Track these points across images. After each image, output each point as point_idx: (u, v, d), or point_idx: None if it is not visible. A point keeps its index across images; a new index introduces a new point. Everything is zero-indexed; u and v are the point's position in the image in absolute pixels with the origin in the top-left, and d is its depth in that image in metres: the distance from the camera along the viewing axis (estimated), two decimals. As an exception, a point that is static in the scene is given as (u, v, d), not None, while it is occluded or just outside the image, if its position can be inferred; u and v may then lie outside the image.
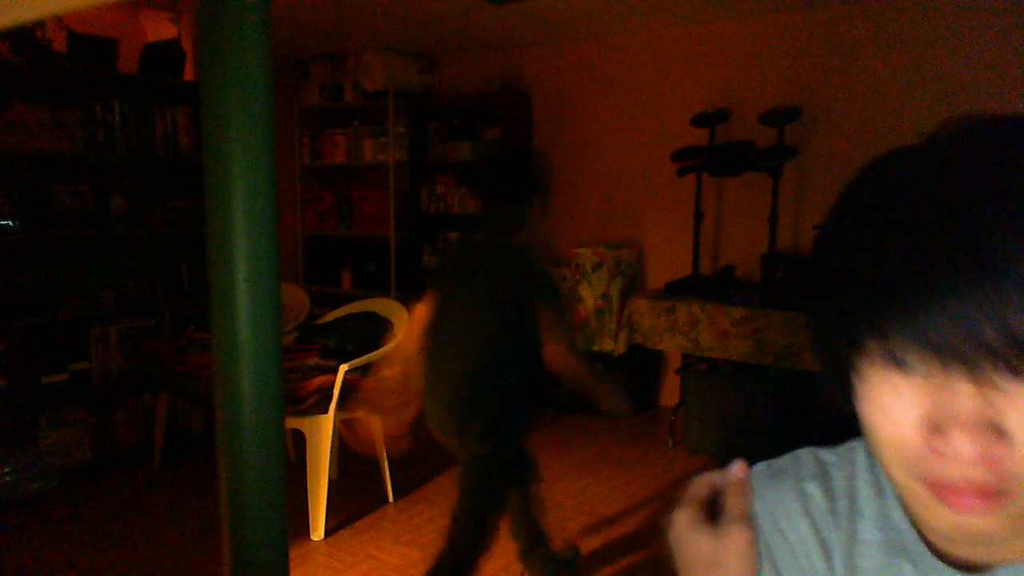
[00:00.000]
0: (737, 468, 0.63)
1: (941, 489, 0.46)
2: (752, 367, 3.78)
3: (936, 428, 0.45)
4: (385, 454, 3.33)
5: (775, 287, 3.59)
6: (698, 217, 4.12)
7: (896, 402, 0.47)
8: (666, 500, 3.41)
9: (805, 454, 0.64)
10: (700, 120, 4.08)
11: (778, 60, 4.19)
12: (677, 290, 3.98)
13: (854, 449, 0.62)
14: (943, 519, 0.47)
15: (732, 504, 0.60)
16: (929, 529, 0.54)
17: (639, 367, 4.58)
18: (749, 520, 0.59)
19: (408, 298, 5.12)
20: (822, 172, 4.09)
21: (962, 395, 0.44)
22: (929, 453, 0.46)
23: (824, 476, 0.61)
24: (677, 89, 4.53)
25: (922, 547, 0.55)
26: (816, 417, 3.74)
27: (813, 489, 0.61)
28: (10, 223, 3.41)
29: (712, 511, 0.62)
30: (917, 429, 0.46)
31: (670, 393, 4.55)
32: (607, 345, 4.29)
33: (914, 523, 0.56)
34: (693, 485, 0.64)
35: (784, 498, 0.62)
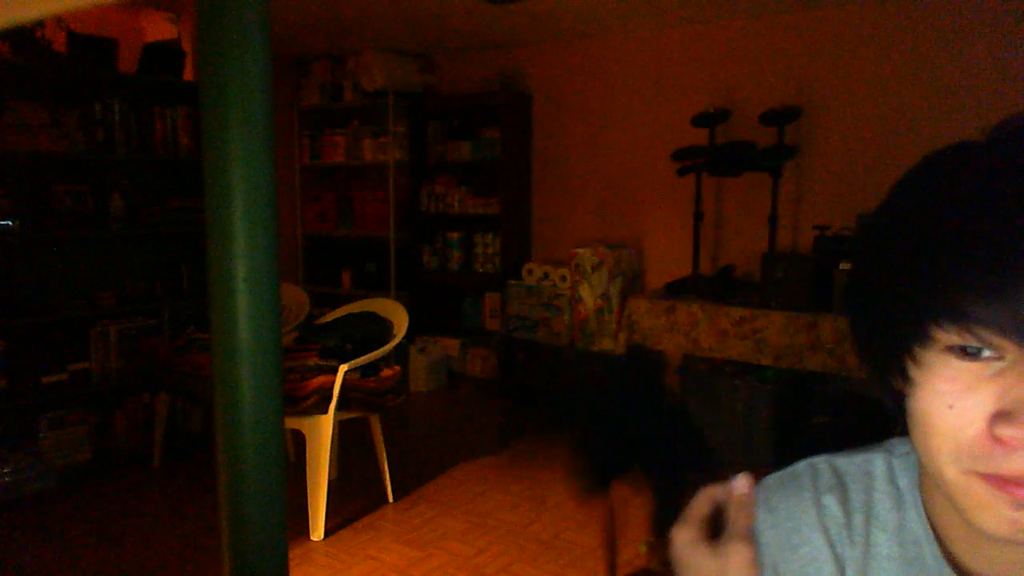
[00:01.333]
0: (741, 483, 0.61)
1: (1003, 482, 0.45)
2: (752, 367, 3.78)
3: (1005, 415, 0.44)
4: (385, 454, 3.34)
5: (775, 287, 3.59)
6: (698, 217, 4.12)
7: (962, 390, 0.46)
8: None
9: (822, 464, 0.63)
10: (700, 120, 4.08)
11: (778, 60, 4.19)
12: (677, 290, 3.98)
13: (871, 460, 0.61)
14: (1001, 516, 0.45)
15: (735, 520, 0.59)
16: (951, 536, 0.53)
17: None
18: (751, 537, 0.58)
19: (407, 298, 5.14)
20: (822, 172, 4.09)
21: None
22: (992, 443, 0.45)
23: (842, 488, 0.60)
24: (677, 89, 4.53)
25: (942, 562, 0.54)
26: (816, 417, 3.74)
27: (830, 501, 0.60)
28: (10, 223, 3.41)
29: (715, 526, 0.61)
30: (982, 417, 0.45)
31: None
32: (607, 345, 4.29)
33: (937, 536, 0.55)
34: (695, 500, 0.63)
35: (799, 510, 0.60)
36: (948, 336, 0.46)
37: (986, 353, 0.45)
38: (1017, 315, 0.42)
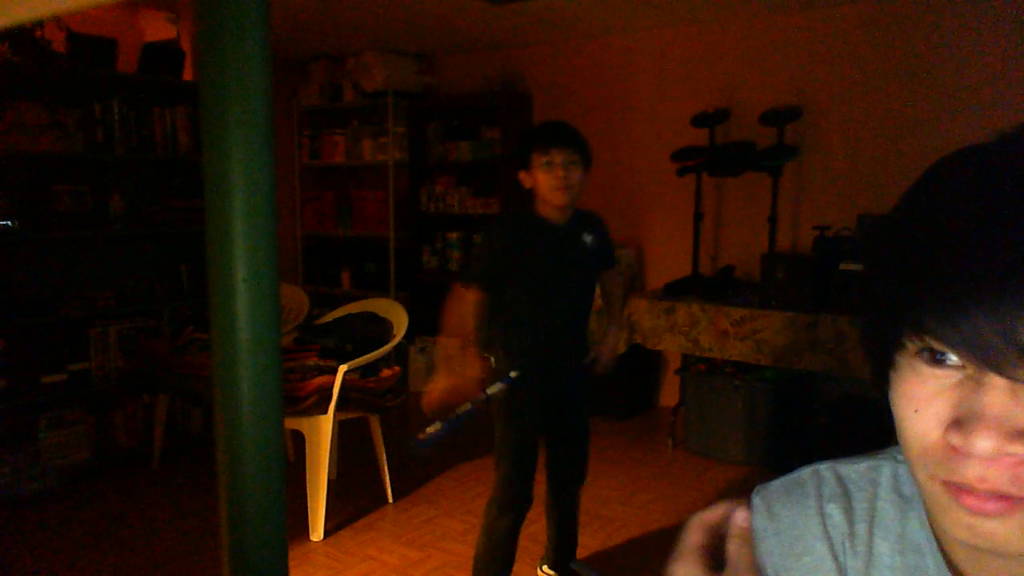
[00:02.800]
0: (741, 516, 0.60)
1: (958, 490, 0.46)
2: (752, 367, 3.78)
3: (959, 424, 0.45)
4: (384, 455, 3.34)
5: (775, 287, 3.59)
6: (698, 217, 4.12)
7: (927, 396, 0.47)
8: (666, 501, 3.41)
9: (826, 471, 0.62)
10: (700, 120, 4.08)
11: (778, 60, 4.19)
12: (677, 290, 3.98)
13: (878, 468, 0.60)
14: (959, 522, 0.47)
15: (738, 555, 0.58)
16: (950, 542, 0.53)
17: (639, 367, 4.58)
18: (755, 571, 0.58)
19: (407, 298, 5.13)
20: (822, 172, 4.09)
21: (991, 393, 0.44)
22: (948, 450, 0.46)
23: (846, 497, 0.60)
24: (677, 89, 4.53)
25: (945, 571, 0.54)
26: (816, 417, 3.74)
27: (833, 510, 0.59)
28: (9, 223, 3.41)
29: (713, 554, 0.59)
30: (941, 424, 0.46)
31: (670, 394, 4.55)
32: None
33: (940, 545, 0.55)
34: (689, 531, 0.61)
35: (803, 518, 0.60)
36: (915, 344, 0.47)
37: (952, 360, 0.46)
38: (970, 332, 0.43)
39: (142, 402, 3.90)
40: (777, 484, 0.63)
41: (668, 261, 4.57)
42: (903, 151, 3.82)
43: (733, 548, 0.58)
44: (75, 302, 3.70)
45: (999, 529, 0.45)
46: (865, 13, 3.93)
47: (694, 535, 0.61)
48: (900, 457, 0.60)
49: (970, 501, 0.45)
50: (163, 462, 3.75)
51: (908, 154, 3.79)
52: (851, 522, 0.59)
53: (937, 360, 0.46)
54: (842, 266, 3.40)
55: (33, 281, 3.63)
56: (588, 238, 2.44)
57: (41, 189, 3.58)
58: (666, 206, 4.59)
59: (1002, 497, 0.44)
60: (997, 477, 0.44)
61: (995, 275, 0.42)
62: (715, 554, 0.60)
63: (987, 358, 0.43)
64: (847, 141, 4.02)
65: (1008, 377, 0.43)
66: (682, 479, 3.65)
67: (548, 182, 2.32)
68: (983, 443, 0.43)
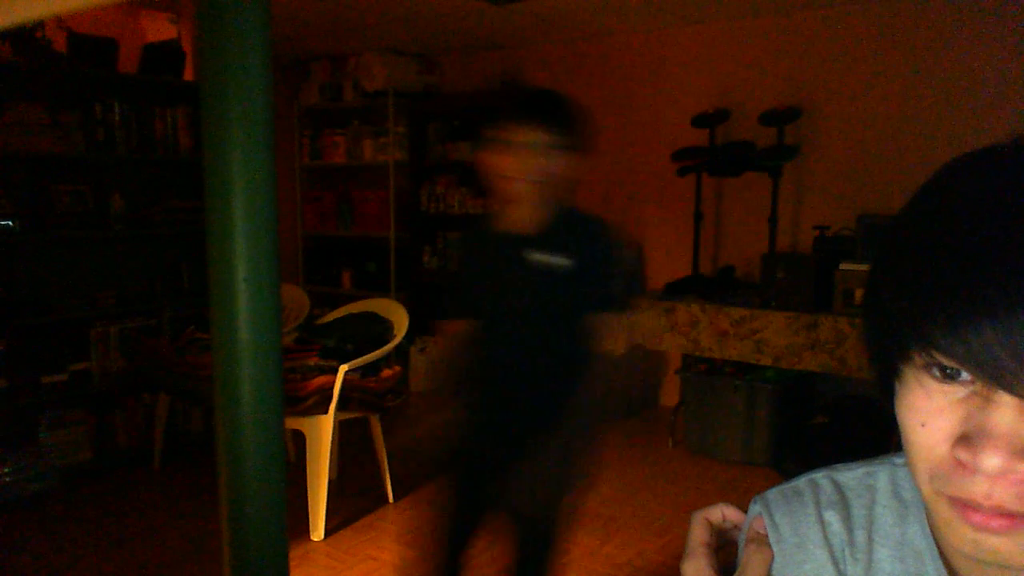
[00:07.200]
0: (757, 523, 0.60)
1: (963, 505, 0.45)
2: (752, 367, 3.78)
3: (966, 440, 0.44)
4: (385, 455, 3.34)
5: (775, 287, 3.59)
6: (698, 217, 4.12)
7: (932, 411, 0.46)
8: (666, 500, 3.41)
9: (822, 479, 0.62)
10: (700, 120, 4.08)
11: (778, 60, 4.19)
12: (677, 290, 3.98)
13: (875, 474, 0.60)
14: (963, 537, 0.46)
15: (755, 561, 0.58)
16: (951, 550, 0.53)
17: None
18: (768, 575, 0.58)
19: (407, 298, 5.13)
20: (822, 172, 4.09)
21: (1000, 410, 0.43)
22: (955, 466, 0.45)
23: (843, 504, 0.59)
24: (677, 89, 4.53)
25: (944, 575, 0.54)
26: (816, 417, 3.74)
27: (832, 517, 0.59)
28: (10, 223, 3.41)
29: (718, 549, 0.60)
30: (948, 439, 0.45)
31: (670, 393, 4.55)
32: (606, 345, 4.29)
33: (940, 550, 0.54)
34: (694, 527, 0.61)
35: (803, 525, 0.59)
36: (923, 359, 0.46)
37: (961, 376, 0.45)
38: (980, 349, 0.42)
39: (143, 402, 3.89)
40: (774, 492, 0.62)
41: (668, 261, 4.57)
42: (903, 151, 3.82)
43: (750, 551, 0.58)
44: (76, 302, 3.71)
45: (1004, 545, 0.45)
46: (865, 13, 3.93)
47: (700, 532, 0.61)
48: (898, 461, 0.60)
49: (976, 517, 0.45)
50: (164, 462, 3.75)
51: (908, 154, 3.79)
52: (850, 529, 0.58)
53: (946, 376, 0.45)
54: (842, 266, 3.40)
55: (34, 281, 3.63)
56: (552, 258, 1.68)
57: (42, 189, 3.58)
58: (666, 206, 4.59)
59: (1008, 514, 0.44)
60: (1003, 494, 0.43)
61: (1008, 289, 0.41)
62: (715, 553, 0.60)
63: (997, 375, 0.42)
64: (847, 141, 4.02)
65: (1018, 395, 0.42)
66: (682, 479, 3.65)
67: (499, 166, 1.65)
68: (991, 460, 0.43)
